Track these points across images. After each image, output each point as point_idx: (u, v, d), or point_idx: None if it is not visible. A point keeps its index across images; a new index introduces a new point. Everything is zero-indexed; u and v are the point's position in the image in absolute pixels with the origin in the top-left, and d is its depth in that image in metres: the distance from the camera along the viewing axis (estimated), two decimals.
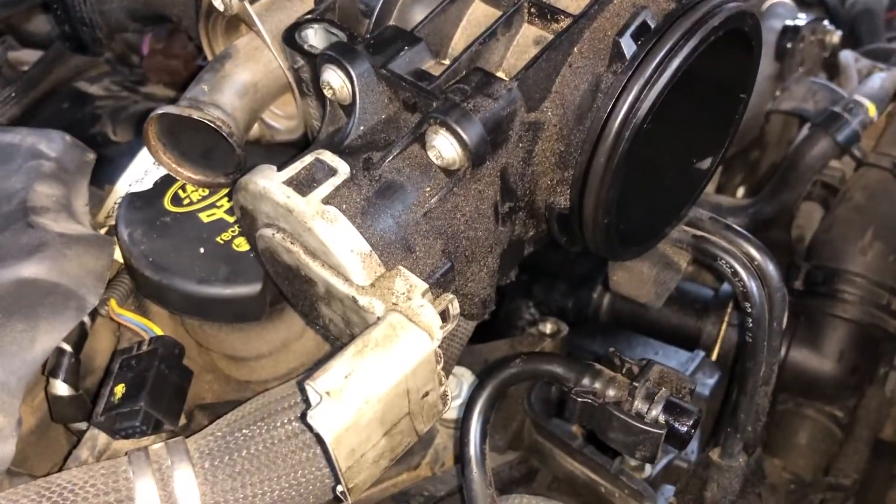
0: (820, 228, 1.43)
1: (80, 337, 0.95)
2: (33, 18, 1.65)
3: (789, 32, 1.61)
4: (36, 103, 1.42)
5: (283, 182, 0.71)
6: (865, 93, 1.49)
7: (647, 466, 1.08)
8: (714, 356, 1.33)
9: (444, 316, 0.70)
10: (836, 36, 1.70)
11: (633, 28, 0.74)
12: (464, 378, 1.09)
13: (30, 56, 1.58)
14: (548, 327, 1.25)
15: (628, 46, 0.74)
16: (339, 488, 0.68)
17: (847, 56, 1.67)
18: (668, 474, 1.12)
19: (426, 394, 0.69)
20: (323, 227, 0.68)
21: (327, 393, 0.62)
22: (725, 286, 1.39)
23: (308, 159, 0.73)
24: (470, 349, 1.17)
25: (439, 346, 0.68)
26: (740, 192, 1.68)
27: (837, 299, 1.32)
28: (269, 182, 0.71)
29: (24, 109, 1.39)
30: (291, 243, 0.72)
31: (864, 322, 1.31)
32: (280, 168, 0.73)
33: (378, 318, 0.67)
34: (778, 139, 1.67)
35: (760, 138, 1.66)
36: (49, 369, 0.93)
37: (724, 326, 1.34)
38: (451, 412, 1.05)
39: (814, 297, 1.35)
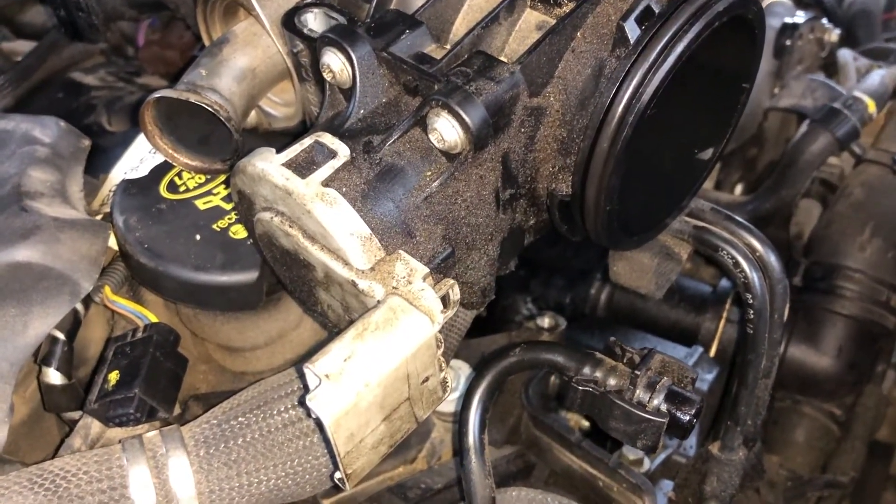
0: (819, 225, 1.43)
1: (73, 325, 0.94)
2: (28, 9, 1.64)
3: (788, 30, 1.61)
4: (30, 93, 1.41)
5: (282, 164, 0.70)
6: (865, 89, 1.49)
7: (646, 460, 1.07)
8: (712, 352, 1.32)
9: (445, 301, 0.69)
10: (834, 34, 1.69)
11: (637, 12, 0.74)
12: (461, 371, 1.08)
13: (24, 47, 1.57)
14: (546, 321, 1.24)
15: (632, 31, 0.73)
16: (338, 474, 0.67)
17: (846, 54, 1.67)
18: (666, 469, 1.11)
19: (426, 379, 0.68)
20: (322, 210, 0.68)
21: (326, 376, 0.61)
22: (724, 282, 1.39)
23: (307, 142, 0.72)
24: (467, 343, 1.16)
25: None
26: (738, 189, 1.68)
27: (836, 295, 1.32)
28: (268, 164, 0.70)
29: (17, 99, 1.38)
30: (290, 227, 0.71)
31: (862, 318, 1.31)
32: (279, 151, 0.72)
33: (378, 302, 0.67)
34: (776, 137, 1.67)
35: (758, 136, 1.65)
36: (41, 357, 0.92)
37: (722, 322, 1.33)
38: (448, 405, 1.04)
39: (812, 294, 1.34)
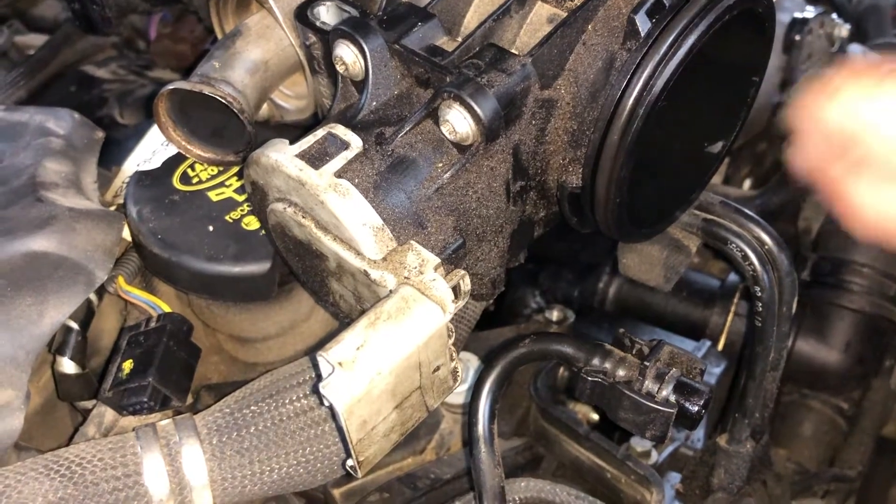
0: (827, 219, 1.43)
1: (87, 315, 0.95)
2: (40, 3, 1.65)
3: (797, 25, 1.60)
4: (42, 86, 1.42)
5: (296, 155, 0.71)
6: None
7: (654, 453, 1.08)
8: (720, 346, 1.32)
9: (456, 291, 0.70)
10: (844, 29, 1.69)
11: (647, 5, 0.74)
12: (470, 363, 1.09)
13: (36, 40, 1.59)
14: (554, 314, 1.25)
15: (643, 23, 0.74)
16: (350, 462, 0.68)
17: (855, 49, 1.66)
18: (674, 461, 1.11)
19: (437, 368, 0.69)
20: (336, 200, 0.68)
21: (339, 364, 0.61)
22: (732, 276, 1.39)
23: (320, 133, 0.72)
24: (476, 335, 1.16)
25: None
26: (746, 184, 1.67)
27: (844, 289, 1.32)
28: (282, 155, 0.71)
29: (30, 92, 1.40)
30: (303, 217, 0.72)
31: (870, 313, 1.31)
32: (292, 142, 0.72)
33: (390, 292, 0.67)
34: (785, 132, 1.66)
35: (767, 130, 1.65)
36: (56, 347, 0.93)
37: (730, 316, 1.33)
38: (457, 397, 1.05)
39: (820, 288, 1.34)
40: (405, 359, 0.64)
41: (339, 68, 0.77)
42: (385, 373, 0.63)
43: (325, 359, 0.62)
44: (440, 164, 0.73)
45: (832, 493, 1.32)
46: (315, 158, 0.71)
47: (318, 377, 0.63)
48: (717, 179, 1.59)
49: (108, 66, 1.50)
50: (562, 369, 1.13)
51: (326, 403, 0.62)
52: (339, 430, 0.64)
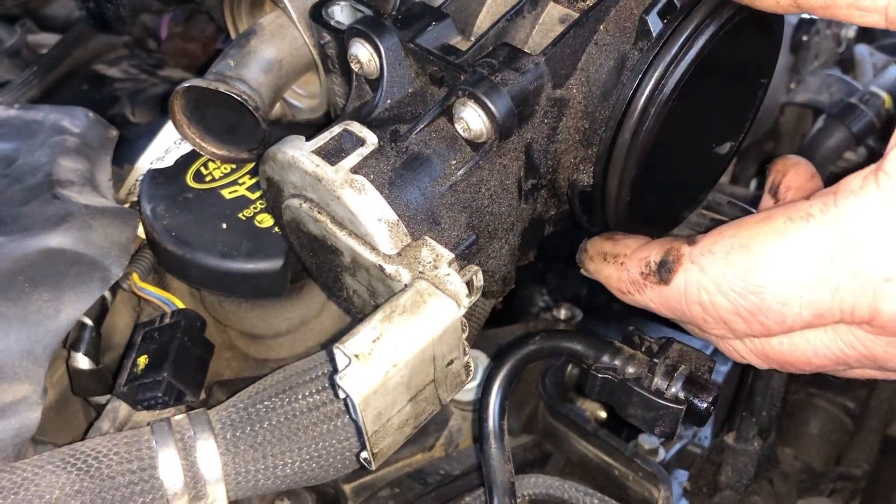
0: None
1: (100, 311, 0.96)
2: (53, 2, 1.66)
3: (805, 25, 1.61)
4: (55, 85, 1.43)
5: (312, 151, 0.72)
6: (882, 84, 1.50)
7: (662, 450, 1.09)
8: None
9: (470, 286, 0.71)
10: (851, 30, 1.69)
11: (659, 6, 0.75)
12: (479, 361, 1.10)
13: (49, 39, 1.60)
14: (562, 312, 1.26)
15: (654, 24, 0.74)
16: (364, 454, 0.68)
17: (862, 50, 1.67)
18: (681, 459, 1.12)
19: (451, 362, 0.69)
20: (352, 196, 0.69)
21: (356, 356, 0.62)
22: None
23: (336, 130, 0.73)
24: (484, 334, 1.17)
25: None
26: (754, 184, 1.68)
27: None
28: (298, 151, 0.72)
29: (42, 91, 1.41)
30: (318, 213, 0.73)
31: None
32: (308, 139, 0.73)
33: (405, 286, 0.68)
34: (792, 132, 1.67)
35: (775, 130, 1.66)
36: (70, 342, 0.94)
37: None
38: (466, 394, 1.06)
39: None
40: (420, 352, 0.65)
41: (354, 67, 0.78)
42: (400, 365, 0.64)
43: (341, 351, 0.63)
44: (454, 162, 0.74)
45: (838, 491, 1.33)
46: (331, 154, 0.71)
47: (334, 370, 0.64)
48: (724, 179, 1.60)
49: (120, 65, 1.51)
50: (570, 367, 1.14)
51: (342, 395, 0.62)
52: (355, 422, 0.65)
